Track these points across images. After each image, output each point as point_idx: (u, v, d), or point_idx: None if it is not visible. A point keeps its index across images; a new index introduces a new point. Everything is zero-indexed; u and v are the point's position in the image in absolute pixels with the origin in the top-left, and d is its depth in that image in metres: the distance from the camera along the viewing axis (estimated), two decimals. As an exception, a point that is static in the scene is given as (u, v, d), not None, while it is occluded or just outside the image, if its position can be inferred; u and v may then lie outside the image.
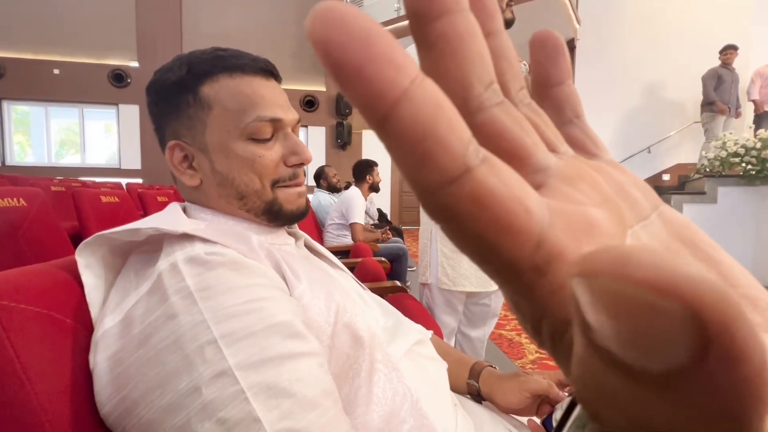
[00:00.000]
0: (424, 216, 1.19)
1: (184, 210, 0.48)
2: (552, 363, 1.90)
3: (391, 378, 0.43)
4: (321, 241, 2.49)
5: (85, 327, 0.35)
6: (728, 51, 4.28)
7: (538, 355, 1.91)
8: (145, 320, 0.33)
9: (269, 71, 0.48)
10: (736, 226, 3.54)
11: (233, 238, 0.39)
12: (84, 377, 0.33)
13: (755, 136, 3.41)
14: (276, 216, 0.48)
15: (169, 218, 0.40)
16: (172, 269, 0.34)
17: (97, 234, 0.37)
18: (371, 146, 7.97)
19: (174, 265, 0.34)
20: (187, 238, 0.37)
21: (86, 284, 0.37)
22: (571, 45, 5.29)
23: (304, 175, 0.51)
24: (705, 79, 4.34)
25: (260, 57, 0.48)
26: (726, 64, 4.31)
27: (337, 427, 0.33)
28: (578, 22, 5.09)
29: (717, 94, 4.25)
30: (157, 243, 0.38)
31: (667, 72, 4.98)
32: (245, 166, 0.45)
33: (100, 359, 0.33)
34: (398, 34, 5.63)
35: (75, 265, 0.37)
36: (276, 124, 0.46)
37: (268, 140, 0.46)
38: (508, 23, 1.13)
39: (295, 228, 0.57)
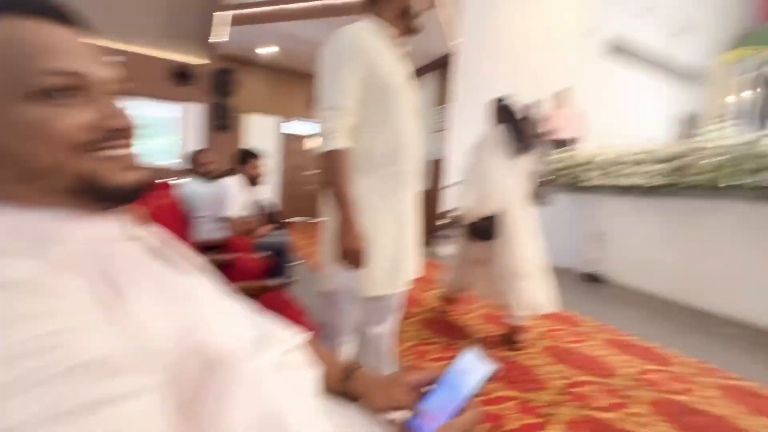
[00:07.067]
0: (329, 223, 1.13)
1: None
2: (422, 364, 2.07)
3: (254, 397, 0.39)
4: (192, 235, 2.21)
5: None
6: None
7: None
8: None
9: (62, 14, 0.37)
10: (560, 227, 4.39)
11: (24, 245, 0.29)
12: None
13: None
14: (97, 193, 0.38)
15: None
16: None
17: None
18: (255, 130, 7.44)
19: None
20: None
21: None
22: (445, 60, 5.65)
23: (130, 141, 0.40)
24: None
25: None
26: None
27: None
28: (456, 37, 5.56)
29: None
30: None
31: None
32: (30, 135, 0.34)
33: None
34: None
35: None
36: (76, 79, 0.36)
37: (64, 101, 0.35)
38: (411, 30, 1.14)
39: (137, 228, 0.47)
